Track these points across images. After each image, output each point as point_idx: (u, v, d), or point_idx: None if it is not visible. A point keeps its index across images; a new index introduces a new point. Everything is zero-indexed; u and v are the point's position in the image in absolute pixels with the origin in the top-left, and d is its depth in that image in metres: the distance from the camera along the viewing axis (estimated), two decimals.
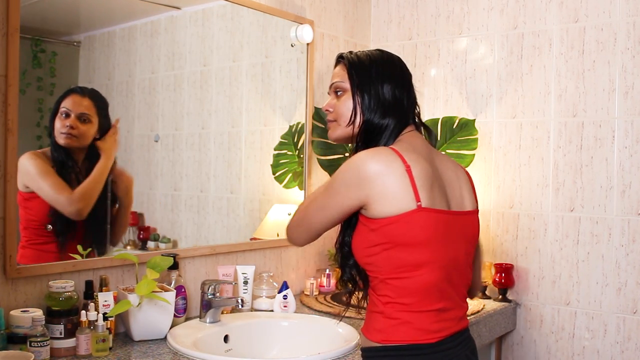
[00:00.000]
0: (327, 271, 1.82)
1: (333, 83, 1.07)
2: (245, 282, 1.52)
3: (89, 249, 1.27)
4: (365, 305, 1.07)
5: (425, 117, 2.05)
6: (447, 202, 0.99)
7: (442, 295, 0.96)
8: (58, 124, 1.25)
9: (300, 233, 1.07)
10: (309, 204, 1.04)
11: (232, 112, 1.66)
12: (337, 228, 1.05)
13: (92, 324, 1.14)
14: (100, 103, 1.32)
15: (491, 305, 1.76)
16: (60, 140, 1.26)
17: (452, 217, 0.98)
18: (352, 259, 1.02)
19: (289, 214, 1.67)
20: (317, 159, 1.86)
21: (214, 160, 1.61)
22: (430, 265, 0.94)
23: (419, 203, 0.93)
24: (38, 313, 1.09)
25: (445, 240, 0.96)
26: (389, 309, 0.96)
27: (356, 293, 1.09)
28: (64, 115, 1.25)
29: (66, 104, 1.26)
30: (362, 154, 0.96)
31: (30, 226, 1.22)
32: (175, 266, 1.37)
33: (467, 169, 1.91)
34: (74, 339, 1.13)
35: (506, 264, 1.84)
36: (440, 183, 0.99)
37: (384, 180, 0.93)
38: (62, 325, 1.12)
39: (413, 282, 0.94)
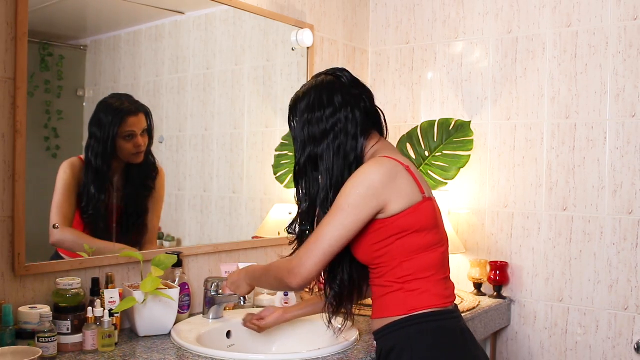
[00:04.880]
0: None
1: None
2: None
3: (95, 248, 1.31)
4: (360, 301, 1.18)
5: (422, 119, 2.11)
6: (429, 191, 1.12)
7: (446, 267, 1.11)
8: (128, 146, 1.33)
9: (315, 262, 1.01)
10: (321, 230, 1.02)
11: (235, 114, 1.69)
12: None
13: (98, 320, 1.16)
14: (149, 115, 1.40)
15: (486, 302, 1.79)
16: (134, 159, 1.36)
17: (435, 203, 1.12)
18: (349, 265, 1.13)
19: (290, 213, 1.70)
20: None
21: (217, 161, 1.63)
22: (438, 243, 1.08)
23: (423, 195, 1.06)
24: (46, 309, 1.11)
25: (439, 222, 1.11)
26: (408, 285, 1.06)
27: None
28: (129, 137, 1.34)
29: (128, 127, 1.34)
30: (367, 168, 1.04)
31: (77, 223, 1.28)
32: (179, 264, 1.40)
33: (463, 169, 1.98)
34: (81, 334, 1.15)
35: (501, 261, 1.88)
36: (421, 175, 1.13)
37: (397, 183, 1.04)
38: (69, 322, 1.14)
39: (429, 258, 1.06)
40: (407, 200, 1.04)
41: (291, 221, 1.18)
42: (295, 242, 1.16)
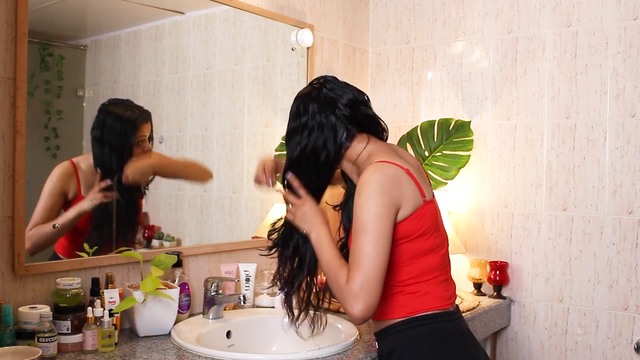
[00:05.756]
0: None
1: None
2: (247, 280, 1.54)
3: (95, 247, 1.31)
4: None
5: (422, 118, 2.11)
6: (429, 192, 1.11)
7: (447, 268, 1.11)
8: (138, 152, 1.38)
9: (376, 288, 0.97)
10: (363, 252, 0.97)
11: (235, 114, 1.69)
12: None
13: (98, 320, 1.16)
14: (151, 120, 1.44)
15: (486, 302, 1.79)
16: None
17: (435, 204, 1.11)
18: None
19: None
20: None
21: (217, 161, 1.63)
22: (439, 246, 1.08)
23: (424, 198, 1.05)
24: (46, 309, 1.11)
25: (440, 223, 1.10)
26: (409, 288, 1.06)
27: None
28: (140, 143, 1.38)
29: (141, 134, 1.39)
30: (372, 177, 1.01)
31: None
32: (179, 264, 1.40)
33: (463, 169, 1.97)
34: (81, 334, 1.15)
35: (501, 261, 1.88)
36: (421, 175, 1.12)
37: (403, 188, 1.03)
38: (69, 322, 1.14)
39: (430, 262, 1.06)
40: (412, 206, 1.03)
41: (275, 227, 1.17)
42: (275, 251, 1.15)
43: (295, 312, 1.16)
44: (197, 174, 1.53)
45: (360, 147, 1.10)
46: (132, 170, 1.34)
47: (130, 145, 1.36)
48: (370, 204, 0.99)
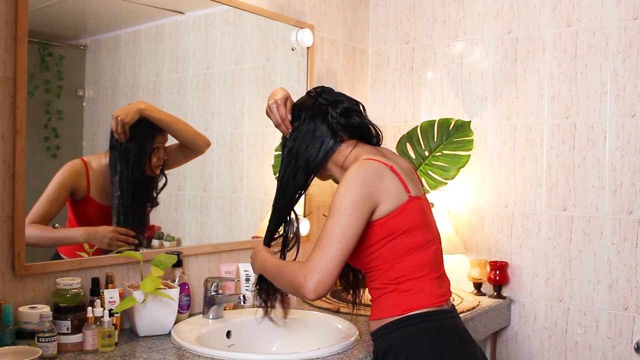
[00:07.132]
0: None
1: None
2: (247, 280, 1.54)
3: (95, 247, 1.31)
4: (359, 301, 1.20)
5: (422, 118, 2.11)
6: (416, 189, 1.13)
7: (439, 264, 1.11)
8: (153, 159, 1.40)
9: (333, 265, 0.98)
10: (329, 232, 1.00)
11: (235, 114, 1.69)
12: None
13: (98, 320, 1.16)
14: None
15: (486, 301, 1.79)
16: (155, 172, 1.42)
17: (423, 201, 1.13)
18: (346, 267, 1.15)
19: None
20: None
21: (217, 161, 1.64)
22: (429, 242, 1.09)
23: (409, 194, 1.07)
24: (46, 309, 1.11)
25: (429, 219, 1.12)
26: (402, 285, 1.06)
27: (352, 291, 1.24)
28: (156, 150, 1.40)
29: (158, 142, 1.41)
30: (354, 170, 1.06)
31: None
32: (179, 264, 1.40)
33: (463, 169, 1.98)
34: (81, 334, 1.15)
35: (501, 261, 1.88)
36: (409, 175, 1.14)
37: (384, 182, 1.05)
38: (69, 321, 1.14)
39: (421, 258, 1.07)
40: (395, 201, 1.05)
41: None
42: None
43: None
44: (190, 132, 1.48)
45: (347, 151, 1.16)
46: (120, 111, 1.32)
47: (150, 152, 1.38)
48: (348, 191, 1.03)
